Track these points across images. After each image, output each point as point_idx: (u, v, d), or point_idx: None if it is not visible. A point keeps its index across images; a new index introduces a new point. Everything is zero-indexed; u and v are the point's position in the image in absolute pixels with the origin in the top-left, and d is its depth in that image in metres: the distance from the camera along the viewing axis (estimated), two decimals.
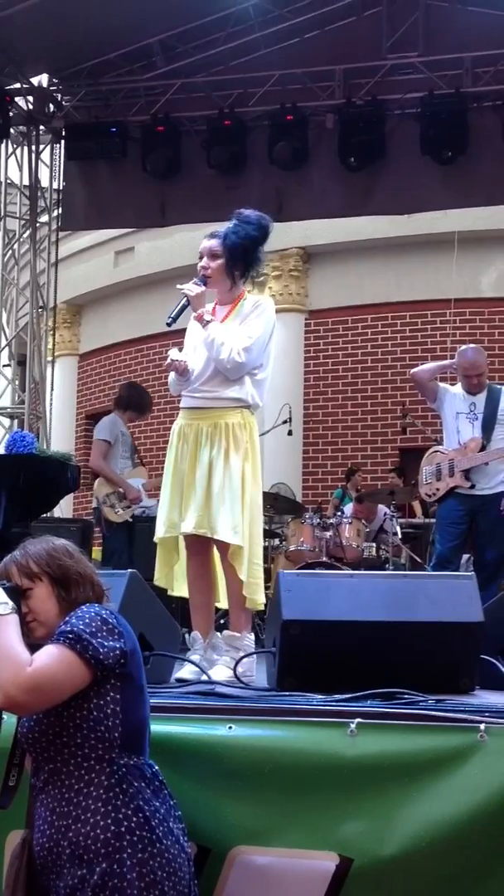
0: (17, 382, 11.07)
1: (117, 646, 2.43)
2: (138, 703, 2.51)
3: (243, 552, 4.12)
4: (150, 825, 2.38)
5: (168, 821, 2.44)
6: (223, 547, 4.16)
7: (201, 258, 4.38)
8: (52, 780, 2.42)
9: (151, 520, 7.57)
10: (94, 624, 2.43)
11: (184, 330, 4.63)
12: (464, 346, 6.68)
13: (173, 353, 4.36)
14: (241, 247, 4.29)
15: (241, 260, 4.33)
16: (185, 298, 4.30)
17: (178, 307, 4.33)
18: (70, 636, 2.39)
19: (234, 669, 3.86)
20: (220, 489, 4.13)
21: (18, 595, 2.50)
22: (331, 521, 8.06)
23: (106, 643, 2.41)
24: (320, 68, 9.37)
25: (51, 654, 2.38)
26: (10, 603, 2.45)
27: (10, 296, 10.91)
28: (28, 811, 2.53)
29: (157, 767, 2.53)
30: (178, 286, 4.33)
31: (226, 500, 4.11)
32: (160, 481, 8.52)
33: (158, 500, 8.17)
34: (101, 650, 2.40)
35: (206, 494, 4.13)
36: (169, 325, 4.34)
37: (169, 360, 4.35)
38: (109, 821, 2.35)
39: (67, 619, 2.46)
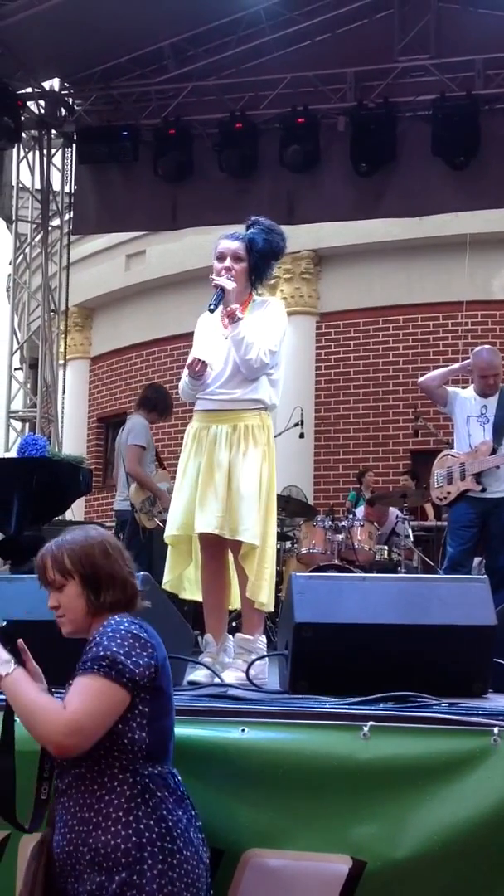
0: (28, 386, 11.10)
1: (151, 662, 2.41)
2: (165, 714, 2.49)
3: (255, 553, 4.12)
4: (172, 836, 2.36)
5: (189, 831, 2.42)
6: (237, 547, 4.15)
7: (223, 258, 4.34)
8: (75, 785, 2.40)
9: None
10: (126, 643, 2.39)
11: (191, 333, 4.60)
12: (478, 348, 6.66)
13: (199, 355, 4.30)
14: (271, 252, 4.31)
15: (263, 266, 4.33)
16: (220, 289, 4.25)
17: (216, 296, 4.25)
18: (104, 663, 2.35)
19: (247, 672, 3.86)
20: (238, 490, 4.12)
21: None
22: (342, 523, 8.06)
23: (140, 661, 2.39)
24: (332, 71, 9.37)
25: (86, 688, 2.34)
26: (10, 658, 2.44)
27: (21, 299, 10.94)
28: (49, 812, 2.53)
29: (179, 776, 2.52)
30: (213, 277, 4.28)
31: (245, 502, 4.10)
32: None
33: None
34: (136, 671, 2.37)
35: (226, 496, 4.12)
36: (212, 311, 4.25)
37: (191, 359, 4.26)
38: (131, 831, 2.33)
39: (98, 637, 2.40)
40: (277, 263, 4.46)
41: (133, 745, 2.37)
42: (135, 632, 2.42)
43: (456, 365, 6.71)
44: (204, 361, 4.24)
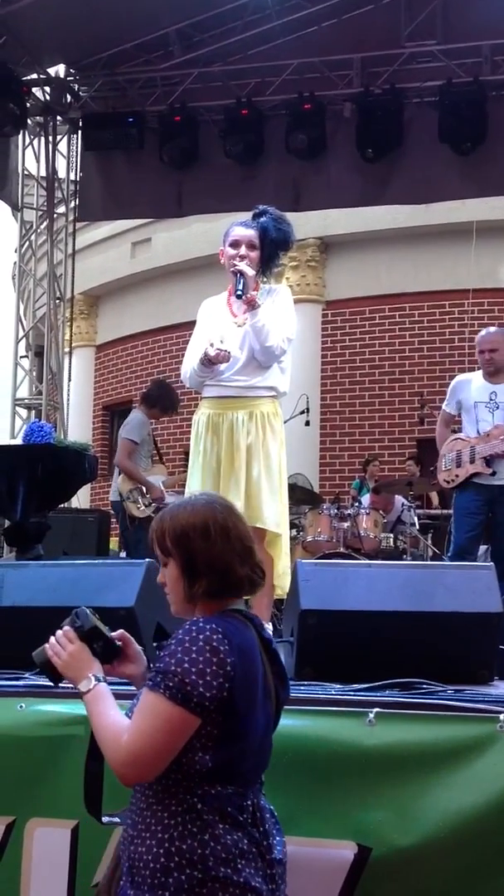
0: (34, 373, 11.10)
1: (225, 684, 2.11)
2: (239, 736, 2.18)
3: (281, 540, 4.14)
4: (206, 865, 2.10)
5: (238, 860, 2.13)
6: (259, 534, 4.14)
7: (237, 245, 4.32)
8: (139, 787, 2.22)
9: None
10: (201, 657, 2.10)
11: (193, 322, 4.58)
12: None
13: (224, 346, 4.25)
14: (284, 242, 4.34)
15: (274, 256, 4.35)
16: (241, 274, 4.23)
17: (241, 282, 4.23)
18: (171, 683, 2.09)
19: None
20: (259, 477, 4.13)
21: (104, 641, 2.35)
22: (348, 511, 8.05)
23: (214, 682, 2.09)
24: (338, 57, 9.33)
25: (149, 712, 2.11)
26: (91, 677, 2.26)
27: (27, 287, 10.94)
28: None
29: (255, 799, 2.26)
30: (235, 263, 4.25)
31: (265, 488, 4.12)
32: (180, 478, 8.61)
33: (176, 495, 8.24)
34: (206, 694, 2.09)
35: (246, 483, 4.13)
36: (239, 296, 4.24)
37: (215, 350, 4.22)
38: (162, 850, 2.12)
39: (175, 644, 2.13)
40: (285, 254, 4.45)
41: (191, 766, 2.13)
42: (214, 644, 2.11)
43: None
44: (229, 353, 4.22)
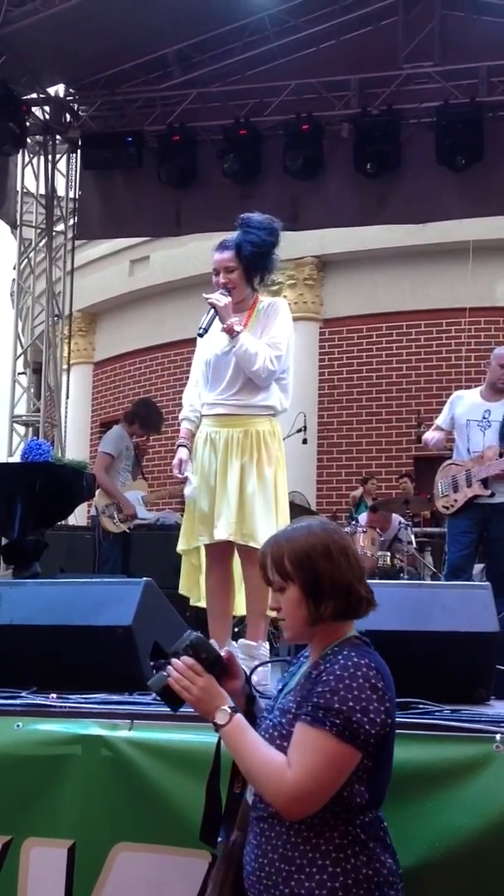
0: (32, 390, 11.10)
1: (388, 720, 2.16)
2: (388, 764, 2.25)
3: None
4: (382, 891, 2.16)
5: (397, 882, 2.22)
6: (253, 554, 4.13)
7: (217, 273, 4.32)
8: (278, 816, 2.18)
9: (153, 529, 7.79)
10: (363, 695, 2.11)
11: (194, 339, 4.59)
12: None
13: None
14: (258, 254, 4.26)
15: (259, 266, 4.30)
16: (213, 308, 4.24)
17: (208, 318, 4.22)
18: (338, 720, 2.09)
19: (249, 678, 3.85)
20: (252, 495, 4.11)
21: (220, 665, 2.32)
22: (345, 529, 8.05)
23: (377, 718, 2.12)
24: (336, 78, 9.39)
25: (315, 749, 2.09)
26: (227, 709, 2.22)
27: (25, 304, 10.96)
28: (241, 818, 2.36)
29: (384, 819, 2.29)
30: (205, 295, 4.27)
31: (259, 508, 4.10)
32: (162, 493, 8.61)
33: (156, 512, 8.25)
34: (371, 731, 2.11)
35: (238, 502, 4.11)
36: (201, 335, 4.26)
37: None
38: (338, 884, 2.11)
39: (334, 681, 2.12)
40: (277, 253, 4.32)
41: (351, 799, 2.15)
42: (373, 681, 2.14)
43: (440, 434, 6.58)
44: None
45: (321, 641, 2.27)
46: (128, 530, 7.45)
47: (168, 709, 2.37)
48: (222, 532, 4.10)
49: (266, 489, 4.14)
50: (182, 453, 4.34)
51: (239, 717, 2.22)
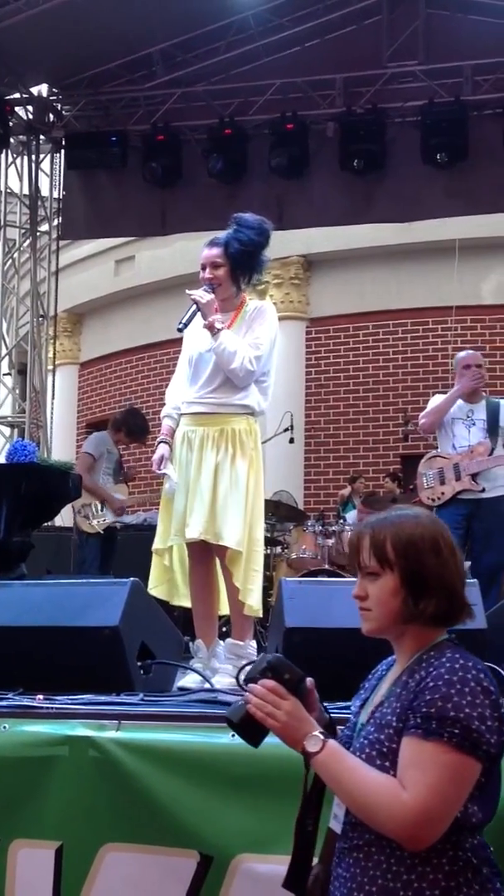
0: (17, 391, 11.09)
1: (503, 728, 1.92)
2: (499, 779, 2.00)
3: (241, 557, 4.10)
4: None
5: None
6: (223, 552, 4.14)
7: (203, 269, 4.33)
8: (378, 844, 1.92)
9: (141, 529, 7.79)
10: (477, 700, 1.88)
11: (181, 340, 4.59)
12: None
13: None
14: (246, 253, 4.26)
15: (246, 265, 4.30)
16: (195, 305, 4.25)
17: (189, 313, 4.25)
18: (456, 731, 1.85)
19: (237, 678, 3.85)
20: (225, 495, 4.10)
21: (304, 687, 2.04)
22: (333, 528, 8.06)
23: (494, 725, 1.88)
24: (321, 77, 9.40)
25: (435, 764, 1.84)
26: (318, 734, 1.96)
27: (10, 305, 10.93)
28: (326, 849, 2.11)
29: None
30: (188, 291, 4.26)
31: (230, 506, 4.09)
32: (142, 498, 8.59)
33: (143, 513, 8.21)
34: (492, 740, 1.88)
35: (211, 500, 4.11)
36: (180, 330, 4.28)
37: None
38: None
39: (443, 686, 1.89)
40: (265, 254, 4.33)
41: (466, 819, 1.90)
42: (485, 684, 1.91)
43: (449, 393, 6.53)
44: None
45: (413, 645, 2.03)
46: (102, 532, 7.45)
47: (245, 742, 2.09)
48: (194, 531, 4.10)
49: (239, 488, 4.13)
50: (163, 450, 4.34)
51: (332, 742, 1.96)
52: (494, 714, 1.88)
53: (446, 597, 2.01)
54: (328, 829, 2.08)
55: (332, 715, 2.19)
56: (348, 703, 3.05)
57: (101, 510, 7.49)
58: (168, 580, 4.34)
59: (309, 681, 2.09)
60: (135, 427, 7.87)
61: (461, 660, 1.94)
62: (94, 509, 7.47)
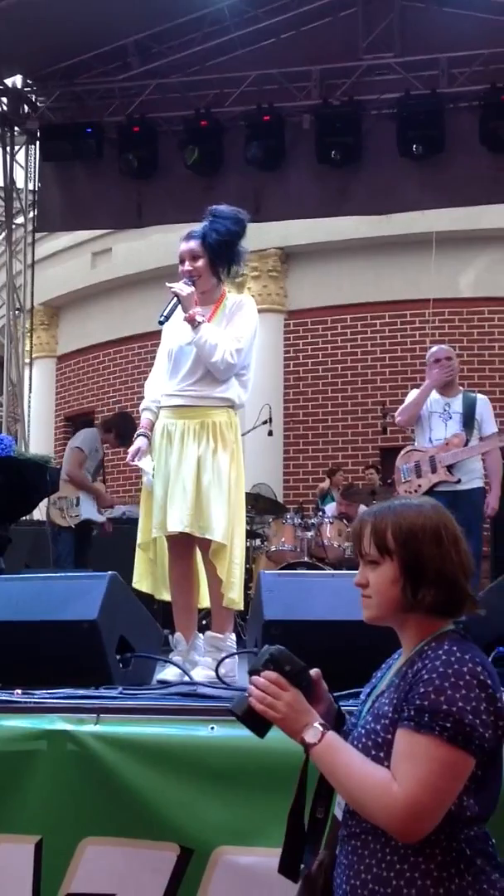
0: None
1: (500, 722, 1.91)
2: (499, 770, 1.99)
3: (225, 551, 4.10)
4: None
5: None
6: (206, 545, 4.14)
7: (182, 262, 4.31)
8: (374, 834, 1.94)
9: (120, 522, 7.76)
10: (472, 694, 1.87)
11: (158, 332, 4.57)
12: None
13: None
14: (224, 243, 4.26)
15: (225, 256, 4.30)
16: (176, 297, 4.23)
17: (170, 306, 4.22)
18: (448, 725, 1.85)
19: (216, 670, 3.85)
20: (208, 487, 4.10)
21: (306, 678, 2.07)
22: (312, 520, 8.07)
23: (489, 720, 1.88)
24: (296, 69, 9.39)
25: (427, 758, 1.85)
26: (317, 725, 1.98)
27: None
28: (329, 837, 2.14)
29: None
30: (168, 284, 4.25)
31: (213, 499, 4.09)
32: (113, 500, 8.44)
33: (122, 506, 8.14)
34: (486, 734, 1.87)
35: (194, 492, 4.10)
36: (161, 323, 4.25)
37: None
38: None
39: (437, 679, 1.89)
40: (243, 245, 4.33)
41: (460, 812, 1.91)
42: (482, 678, 1.90)
43: (422, 387, 6.57)
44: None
45: (415, 635, 2.04)
46: (73, 526, 7.42)
47: (250, 730, 2.11)
48: (177, 524, 4.09)
49: (222, 481, 4.13)
50: (140, 442, 4.33)
51: (331, 734, 1.98)
52: (490, 708, 1.88)
53: (446, 587, 2.00)
54: (333, 816, 2.12)
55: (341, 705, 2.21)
56: (333, 694, 3.07)
57: (77, 505, 7.44)
58: (152, 574, 4.34)
59: (314, 671, 2.11)
60: (125, 431, 7.80)
61: (458, 652, 1.93)
62: (69, 503, 7.43)
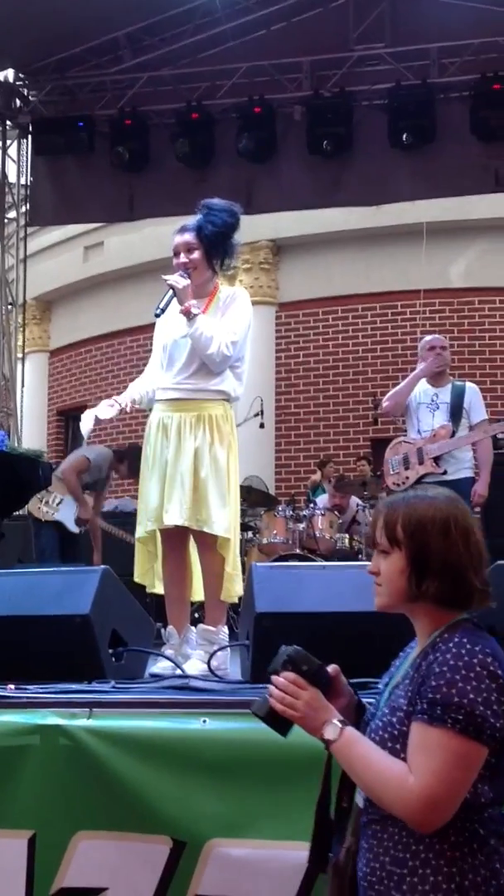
0: None
1: None
2: None
3: (230, 544, 4.12)
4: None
5: None
6: (208, 539, 4.14)
7: (177, 255, 4.30)
8: (391, 818, 1.98)
9: (111, 516, 7.75)
10: (483, 685, 1.90)
11: (151, 325, 4.57)
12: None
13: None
14: (220, 234, 4.26)
15: (220, 248, 4.30)
16: (171, 290, 4.22)
17: (166, 299, 4.21)
18: (460, 717, 1.89)
19: (209, 663, 3.86)
20: (206, 480, 4.10)
21: (324, 676, 2.12)
22: (303, 512, 8.07)
23: (500, 709, 1.92)
24: (287, 60, 9.38)
25: (440, 750, 1.89)
26: (336, 722, 2.03)
27: None
28: (355, 823, 2.16)
29: None
30: (164, 276, 4.24)
31: (213, 492, 4.09)
32: (111, 529, 8.37)
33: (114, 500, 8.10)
34: (497, 724, 1.91)
35: (192, 486, 4.10)
36: (158, 315, 4.24)
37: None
38: (454, 885, 1.93)
39: (448, 672, 1.92)
40: (237, 238, 4.34)
41: (475, 799, 1.95)
42: (491, 668, 1.93)
43: (412, 374, 6.59)
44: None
45: (427, 626, 2.08)
46: (43, 520, 7.41)
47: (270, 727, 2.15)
48: (175, 517, 4.09)
49: (220, 474, 4.14)
50: (108, 401, 4.34)
51: (350, 730, 2.03)
52: (500, 698, 1.91)
53: (450, 580, 2.02)
54: (355, 804, 2.17)
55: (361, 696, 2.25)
56: None
57: (57, 504, 7.42)
58: (153, 568, 4.35)
59: (332, 668, 2.16)
60: (131, 466, 7.81)
61: (468, 644, 1.96)
62: (53, 498, 7.41)
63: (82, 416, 4.40)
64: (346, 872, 2.12)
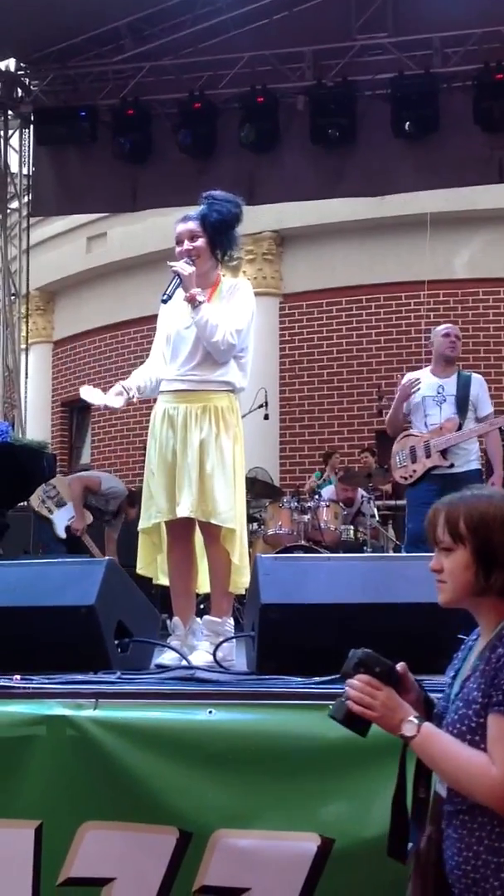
0: None
1: None
2: None
3: (236, 535, 4.12)
4: None
5: None
6: (214, 530, 4.13)
7: (180, 243, 4.29)
8: (480, 807, 2.06)
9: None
10: None
11: (154, 316, 4.56)
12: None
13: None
14: (224, 222, 4.24)
15: (223, 237, 4.28)
16: (177, 277, 4.19)
17: (173, 285, 4.17)
18: None
19: (214, 654, 3.86)
20: (212, 472, 4.09)
21: (395, 675, 2.19)
22: (308, 504, 8.08)
23: None
24: (290, 50, 9.34)
25: None
26: (413, 719, 2.11)
27: None
28: (434, 811, 2.24)
29: None
30: (170, 263, 4.21)
31: (219, 483, 4.09)
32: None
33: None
34: None
35: (199, 477, 4.09)
36: (165, 302, 4.20)
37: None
38: None
39: None
40: (239, 228, 4.32)
41: None
42: None
43: (395, 399, 6.58)
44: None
45: (493, 617, 2.16)
46: (45, 513, 7.44)
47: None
48: (184, 509, 4.09)
49: (225, 465, 4.13)
50: (114, 390, 4.33)
51: (427, 725, 2.11)
52: None
53: None
54: (434, 793, 2.23)
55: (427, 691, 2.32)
56: (329, 677, 3.08)
57: (58, 506, 7.45)
58: (157, 559, 4.35)
59: (400, 666, 2.23)
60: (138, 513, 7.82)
61: None
62: (57, 499, 7.43)
63: (90, 389, 4.36)
64: (430, 859, 2.19)
